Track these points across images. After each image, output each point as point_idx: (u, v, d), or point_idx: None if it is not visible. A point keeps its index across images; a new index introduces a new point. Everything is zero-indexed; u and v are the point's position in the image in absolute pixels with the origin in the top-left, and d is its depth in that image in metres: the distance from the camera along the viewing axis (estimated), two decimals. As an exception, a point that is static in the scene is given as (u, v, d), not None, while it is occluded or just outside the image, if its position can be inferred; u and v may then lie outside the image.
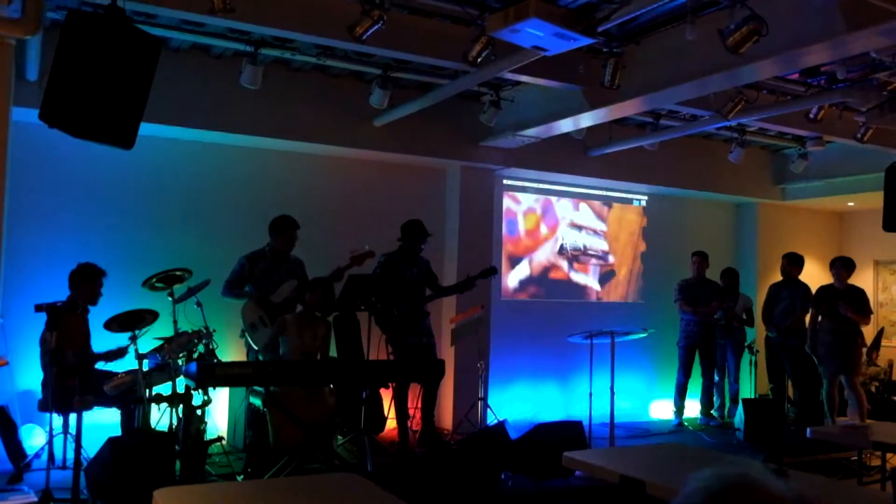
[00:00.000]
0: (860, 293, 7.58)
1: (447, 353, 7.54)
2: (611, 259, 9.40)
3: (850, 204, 10.26)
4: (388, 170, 7.87)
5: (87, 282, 5.52)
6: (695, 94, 6.08)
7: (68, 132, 3.87)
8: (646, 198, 9.67)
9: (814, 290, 7.87)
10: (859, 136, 7.24)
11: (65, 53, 3.83)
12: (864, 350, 7.86)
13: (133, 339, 5.18)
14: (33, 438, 5.78)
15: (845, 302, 7.39)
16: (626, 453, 4.69)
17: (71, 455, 4.83)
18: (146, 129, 4.58)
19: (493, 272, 7.01)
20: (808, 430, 5.21)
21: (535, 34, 4.52)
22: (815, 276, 8.87)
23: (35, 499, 4.32)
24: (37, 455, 5.30)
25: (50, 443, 4.80)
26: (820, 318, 7.62)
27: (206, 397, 5.38)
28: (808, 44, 4.76)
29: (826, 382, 7.63)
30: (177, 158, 6.90)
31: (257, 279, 6.23)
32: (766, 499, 0.99)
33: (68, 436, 5.31)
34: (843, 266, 7.59)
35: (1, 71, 4.77)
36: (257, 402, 5.69)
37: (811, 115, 6.96)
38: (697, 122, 7.65)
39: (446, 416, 7.78)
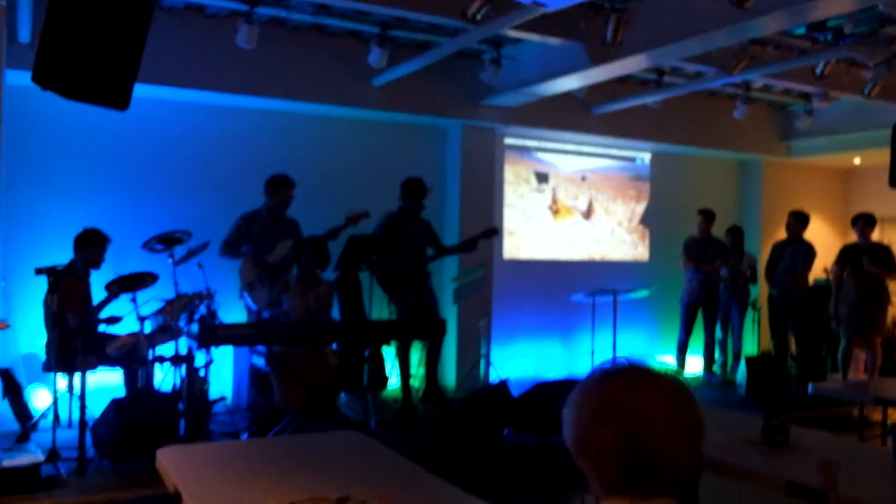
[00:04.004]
0: (885, 249, 7.48)
1: (450, 312, 7.56)
2: (614, 217, 9.37)
3: (856, 160, 10.16)
4: (388, 130, 7.81)
5: (88, 247, 5.52)
6: (699, 50, 5.97)
7: (61, 94, 3.82)
8: (649, 155, 9.59)
9: (817, 248, 7.80)
10: (866, 91, 7.14)
11: (56, 14, 3.76)
12: (890, 308, 7.68)
13: (134, 300, 5.20)
14: (39, 399, 5.84)
15: (869, 258, 7.30)
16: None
17: (76, 415, 4.88)
18: (141, 90, 4.52)
19: (495, 233, 6.99)
20: (810, 385, 5.23)
21: (534, -12, 4.43)
22: (820, 233, 8.84)
23: (42, 457, 4.37)
24: (43, 415, 5.36)
25: (55, 403, 4.85)
26: (845, 276, 7.48)
27: (208, 357, 5.43)
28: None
29: (844, 340, 7.58)
30: (174, 120, 6.85)
31: (254, 239, 6.22)
32: (654, 378, 1.24)
33: (73, 396, 5.36)
34: (865, 223, 7.45)
35: (-7, 32, 4.71)
36: (260, 362, 5.72)
37: (817, 71, 6.86)
38: (701, 78, 7.54)
39: (449, 374, 7.83)
